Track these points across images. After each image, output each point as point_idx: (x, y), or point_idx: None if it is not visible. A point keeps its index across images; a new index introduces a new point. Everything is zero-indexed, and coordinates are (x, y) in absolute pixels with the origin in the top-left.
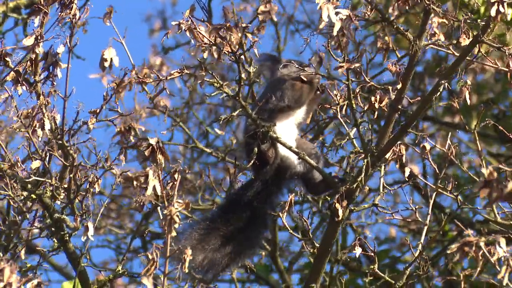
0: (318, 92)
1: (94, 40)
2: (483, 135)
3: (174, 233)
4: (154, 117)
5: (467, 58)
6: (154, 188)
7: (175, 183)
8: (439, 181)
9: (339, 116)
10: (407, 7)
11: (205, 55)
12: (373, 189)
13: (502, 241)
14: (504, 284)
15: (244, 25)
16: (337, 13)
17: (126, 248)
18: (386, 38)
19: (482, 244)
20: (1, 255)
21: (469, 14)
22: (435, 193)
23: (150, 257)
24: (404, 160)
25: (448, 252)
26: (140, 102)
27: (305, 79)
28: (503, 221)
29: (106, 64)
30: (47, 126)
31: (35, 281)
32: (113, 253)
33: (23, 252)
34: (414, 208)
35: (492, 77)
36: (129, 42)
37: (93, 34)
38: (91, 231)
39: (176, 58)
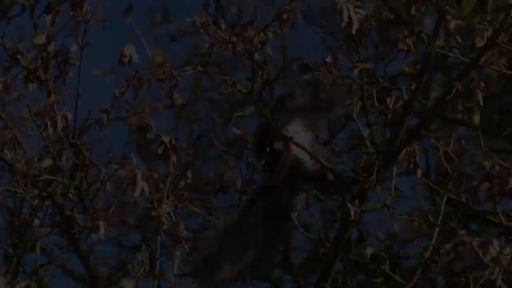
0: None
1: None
2: (486, 130)
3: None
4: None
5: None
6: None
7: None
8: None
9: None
10: (423, 9)
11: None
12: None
13: (495, 242)
14: (498, 284)
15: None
16: (355, 13)
17: (127, 245)
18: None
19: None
20: (12, 252)
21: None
22: (445, 197)
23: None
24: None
25: (442, 251)
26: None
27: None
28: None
29: (126, 60)
30: (60, 125)
31: None
32: (114, 248)
33: (38, 246)
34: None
35: (496, 72)
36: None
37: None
38: (101, 230)
39: (180, 47)
